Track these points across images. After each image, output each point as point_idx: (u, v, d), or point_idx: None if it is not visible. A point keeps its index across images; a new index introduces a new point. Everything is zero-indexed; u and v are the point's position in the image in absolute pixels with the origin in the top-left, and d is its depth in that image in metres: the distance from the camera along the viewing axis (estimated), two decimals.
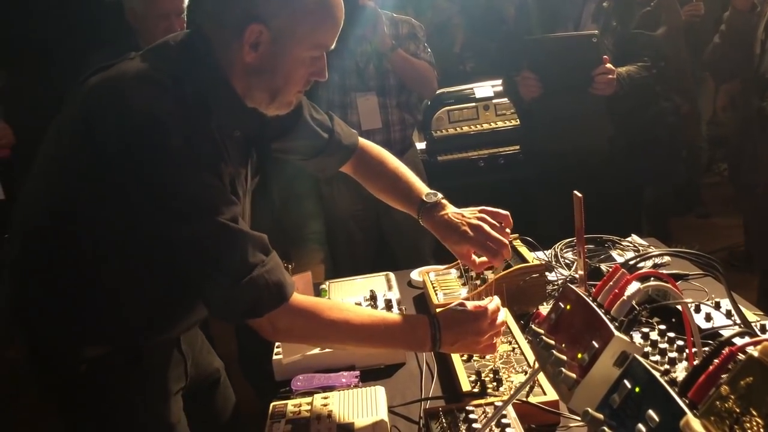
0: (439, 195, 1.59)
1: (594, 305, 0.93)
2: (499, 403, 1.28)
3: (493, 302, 1.40)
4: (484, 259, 1.55)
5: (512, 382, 1.40)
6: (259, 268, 1.20)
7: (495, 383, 1.39)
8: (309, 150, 1.63)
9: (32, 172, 1.32)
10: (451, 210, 1.57)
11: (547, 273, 1.82)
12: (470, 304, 1.39)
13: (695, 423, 0.63)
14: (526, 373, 1.42)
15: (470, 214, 1.55)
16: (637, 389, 0.76)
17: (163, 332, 1.38)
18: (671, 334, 1.38)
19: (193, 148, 1.15)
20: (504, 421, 1.19)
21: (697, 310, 1.52)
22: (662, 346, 1.34)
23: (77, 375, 1.30)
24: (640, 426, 0.72)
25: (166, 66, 1.21)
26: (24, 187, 1.34)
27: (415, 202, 1.60)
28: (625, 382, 0.78)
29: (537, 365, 1.36)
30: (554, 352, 0.92)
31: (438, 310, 1.42)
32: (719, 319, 1.49)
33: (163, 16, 2.25)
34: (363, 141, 1.73)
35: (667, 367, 1.26)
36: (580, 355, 0.88)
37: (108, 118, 1.16)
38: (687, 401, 0.69)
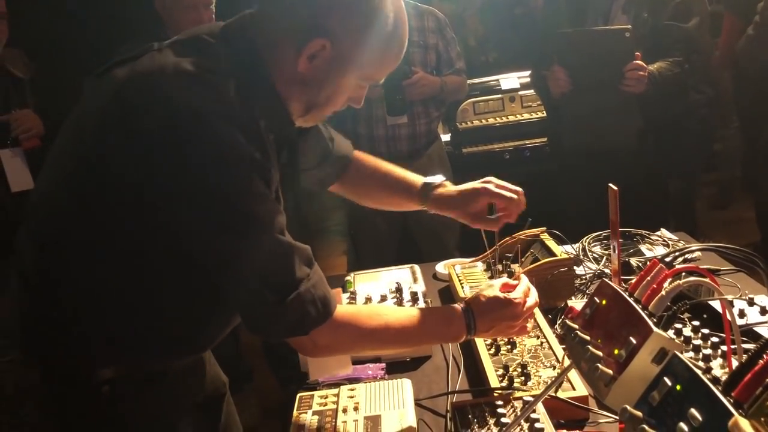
0: (441, 176, 1.63)
1: (631, 300, 0.91)
2: (528, 398, 1.27)
3: (523, 283, 1.37)
4: (498, 215, 1.60)
5: (540, 376, 1.38)
6: (305, 283, 1.14)
7: (523, 377, 1.38)
8: (317, 155, 1.56)
9: (45, 171, 1.22)
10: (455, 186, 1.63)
11: (575, 267, 1.80)
12: (498, 284, 1.36)
13: (744, 424, 0.61)
14: (554, 367, 1.41)
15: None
16: (678, 387, 0.75)
17: (194, 351, 1.32)
18: (705, 331, 1.35)
19: (245, 155, 1.07)
20: (533, 416, 1.17)
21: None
22: (696, 342, 1.31)
23: (99, 396, 1.19)
24: (682, 425, 0.70)
25: (210, 63, 1.11)
26: (36, 188, 1.25)
27: (417, 188, 1.63)
28: (666, 379, 0.77)
29: (568, 362, 1.35)
30: (590, 347, 0.91)
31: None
32: (753, 316, 1.46)
33: (192, 7, 2.26)
34: (357, 152, 1.70)
35: (701, 364, 1.23)
36: (616, 351, 0.86)
37: (151, 118, 1.06)
38: (732, 400, 0.67)
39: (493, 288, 1.36)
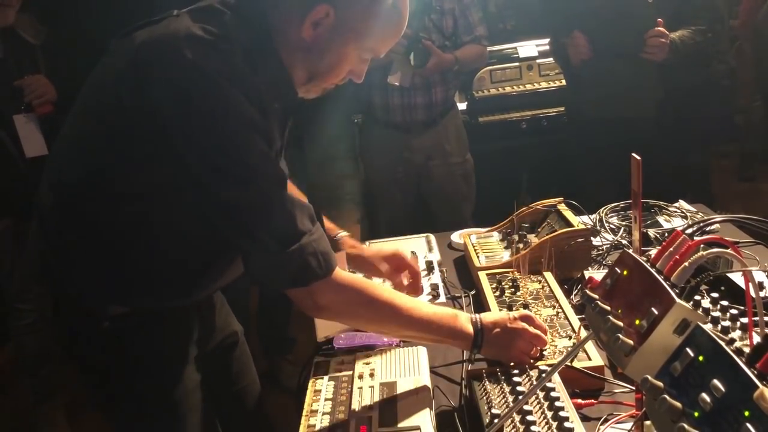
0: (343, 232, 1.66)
1: (653, 271, 0.90)
2: (544, 367, 1.27)
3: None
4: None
5: (556, 346, 1.38)
6: (308, 236, 1.19)
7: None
8: None
9: (67, 124, 1.29)
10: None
11: (591, 238, 1.79)
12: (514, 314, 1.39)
13: None
14: (569, 337, 1.41)
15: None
16: (700, 358, 0.74)
17: (193, 294, 1.37)
18: (724, 303, 1.34)
19: (247, 114, 1.14)
20: (548, 385, 1.18)
21: None
22: (715, 314, 1.30)
23: (99, 332, 1.29)
24: (704, 396, 0.69)
25: (219, 29, 1.17)
26: (57, 139, 1.31)
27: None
28: (688, 350, 0.76)
29: (584, 332, 1.34)
30: (610, 317, 0.90)
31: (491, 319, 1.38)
32: None
33: None
34: None
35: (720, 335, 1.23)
36: (637, 322, 0.85)
37: (161, 76, 1.13)
38: (756, 372, 0.67)
39: (509, 320, 1.36)
